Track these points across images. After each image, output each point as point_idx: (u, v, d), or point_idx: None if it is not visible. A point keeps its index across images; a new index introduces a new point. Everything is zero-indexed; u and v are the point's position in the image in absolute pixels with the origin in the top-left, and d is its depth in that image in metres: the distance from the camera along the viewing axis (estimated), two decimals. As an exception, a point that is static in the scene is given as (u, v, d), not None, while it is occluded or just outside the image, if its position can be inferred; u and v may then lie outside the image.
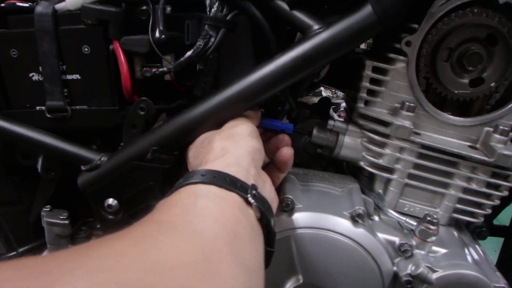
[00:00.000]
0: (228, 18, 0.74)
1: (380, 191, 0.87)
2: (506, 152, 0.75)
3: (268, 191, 0.64)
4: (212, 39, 0.74)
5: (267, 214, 0.55)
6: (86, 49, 0.78)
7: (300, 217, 0.74)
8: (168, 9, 0.80)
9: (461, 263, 0.75)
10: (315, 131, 0.87)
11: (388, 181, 0.85)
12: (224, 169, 0.55)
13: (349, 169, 0.98)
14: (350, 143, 0.85)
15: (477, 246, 0.86)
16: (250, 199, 0.52)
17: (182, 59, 0.73)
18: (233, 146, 0.62)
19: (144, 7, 0.77)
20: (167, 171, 0.76)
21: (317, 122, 0.93)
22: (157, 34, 0.75)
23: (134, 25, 0.77)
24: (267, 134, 0.86)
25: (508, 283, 0.97)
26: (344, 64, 0.95)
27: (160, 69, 0.75)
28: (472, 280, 0.73)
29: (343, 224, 0.73)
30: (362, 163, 0.85)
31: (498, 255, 0.99)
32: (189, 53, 0.73)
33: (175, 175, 0.78)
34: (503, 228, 0.96)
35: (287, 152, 0.73)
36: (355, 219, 0.74)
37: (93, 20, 0.75)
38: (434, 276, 0.72)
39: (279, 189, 0.80)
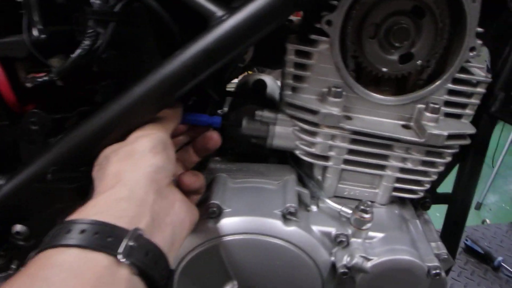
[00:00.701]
0: (116, 9, 0.64)
1: (319, 177, 0.83)
2: (436, 132, 0.72)
3: (176, 212, 0.58)
4: (102, 36, 0.64)
5: (147, 268, 0.48)
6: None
7: (227, 223, 0.70)
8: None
9: (396, 247, 0.74)
10: (244, 123, 0.81)
11: (325, 168, 0.81)
12: (109, 209, 0.50)
13: (291, 155, 0.94)
14: (282, 133, 0.80)
15: (417, 222, 0.85)
16: (120, 257, 0.45)
17: (66, 63, 0.64)
18: (129, 170, 0.56)
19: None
20: (77, 189, 0.69)
21: (252, 108, 0.88)
22: (35, 33, 0.63)
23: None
24: (196, 130, 0.81)
25: (451, 248, 0.99)
26: (273, 41, 0.87)
27: (44, 77, 0.65)
28: (406, 265, 0.72)
29: (273, 225, 0.71)
30: (297, 152, 0.81)
31: (443, 222, 0.99)
32: (74, 55, 0.63)
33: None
34: (446, 195, 0.96)
35: (188, 179, 0.67)
36: (286, 217, 0.71)
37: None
38: (369, 264, 0.71)
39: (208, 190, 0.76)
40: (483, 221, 2.58)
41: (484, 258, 2.13)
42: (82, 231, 0.46)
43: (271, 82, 1.10)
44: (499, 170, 3.66)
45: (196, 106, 0.84)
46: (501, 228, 2.41)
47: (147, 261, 0.48)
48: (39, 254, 0.46)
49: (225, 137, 0.87)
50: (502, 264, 2.09)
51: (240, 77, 1.13)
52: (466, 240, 2.19)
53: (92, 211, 0.50)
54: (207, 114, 0.78)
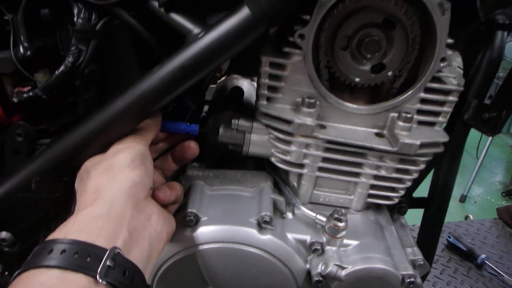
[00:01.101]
0: (98, 27, 0.66)
1: (295, 183, 0.85)
2: (408, 141, 0.73)
3: (153, 225, 0.60)
4: (84, 53, 0.66)
5: (124, 287, 0.50)
6: None
7: (204, 232, 0.72)
8: (46, 10, 0.71)
9: (370, 255, 0.75)
10: (221, 131, 0.82)
11: (300, 175, 0.83)
12: (88, 227, 0.51)
13: (267, 160, 0.95)
14: (258, 141, 0.81)
15: (392, 227, 0.86)
16: (98, 277, 0.48)
17: (50, 80, 0.66)
18: (108, 184, 0.57)
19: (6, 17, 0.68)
20: (60, 198, 0.71)
21: (229, 115, 0.88)
22: (21, 50, 0.66)
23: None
24: (175, 137, 0.82)
25: (428, 251, 1.01)
26: (249, 50, 0.88)
27: (29, 93, 0.67)
28: (380, 273, 0.74)
29: (249, 234, 0.72)
30: (273, 159, 0.83)
31: (420, 226, 1.01)
32: (57, 72, 0.65)
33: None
34: (422, 199, 0.98)
35: (162, 194, 0.68)
36: (261, 225, 0.73)
37: None
38: (343, 273, 0.73)
39: (186, 197, 0.77)
40: (466, 217, 2.62)
41: (467, 255, 2.16)
42: (63, 251, 0.48)
43: (249, 86, 1.11)
44: (483, 162, 3.68)
45: (175, 112, 0.85)
46: (484, 224, 2.44)
47: (124, 280, 0.50)
48: (22, 274, 0.48)
49: (204, 142, 0.89)
50: (486, 261, 2.11)
51: (219, 80, 1.14)
52: (449, 237, 2.22)
53: (72, 229, 0.52)
54: (185, 122, 0.79)
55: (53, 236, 0.51)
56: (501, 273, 2.06)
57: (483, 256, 2.13)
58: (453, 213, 3.45)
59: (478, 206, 3.70)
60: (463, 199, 3.65)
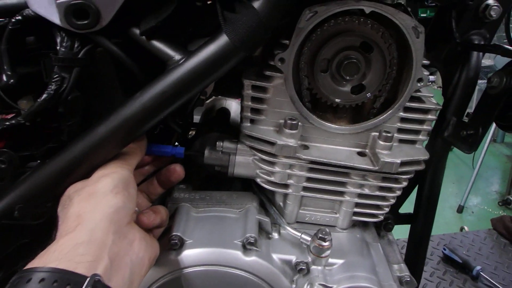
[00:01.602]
0: (80, 55, 0.67)
1: (281, 203, 0.86)
2: (389, 160, 0.75)
3: (135, 251, 0.60)
4: (66, 80, 0.67)
5: None
6: None
7: (189, 255, 0.72)
8: (31, 38, 0.72)
9: (355, 274, 0.76)
10: (206, 153, 0.83)
11: (285, 195, 0.84)
12: (68, 254, 0.51)
13: (254, 181, 0.96)
14: (243, 162, 0.82)
15: (378, 245, 0.87)
16: None
17: (33, 107, 0.66)
18: (90, 211, 0.58)
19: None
20: (44, 224, 0.71)
21: (216, 137, 0.90)
22: (4, 78, 0.67)
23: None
24: (161, 160, 0.83)
25: (416, 267, 1.02)
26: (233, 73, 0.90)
27: (12, 121, 0.68)
28: (365, 291, 0.74)
29: (234, 256, 0.72)
30: (258, 180, 0.84)
31: (407, 242, 1.02)
32: (40, 100, 0.66)
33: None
34: (408, 215, 0.99)
35: (146, 219, 0.68)
36: (246, 247, 0.73)
37: None
38: (328, 292, 0.73)
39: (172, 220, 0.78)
40: (461, 229, 2.62)
41: (463, 267, 2.15)
42: (41, 280, 0.48)
43: (237, 107, 1.12)
44: (479, 171, 3.69)
45: (162, 135, 0.86)
46: (479, 235, 2.44)
47: None
48: None
49: (190, 164, 0.90)
50: (481, 273, 2.10)
51: (207, 101, 1.15)
52: (444, 249, 2.21)
53: (52, 257, 0.52)
54: (170, 145, 0.80)
55: (32, 264, 0.51)
56: (496, 284, 2.05)
57: (478, 267, 2.12)
58: (451, 224, 3.45)
59: (476, 216, 3.70)
60: (460, 209, 3.64)
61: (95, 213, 0.58)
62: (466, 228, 2.60)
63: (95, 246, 0.54)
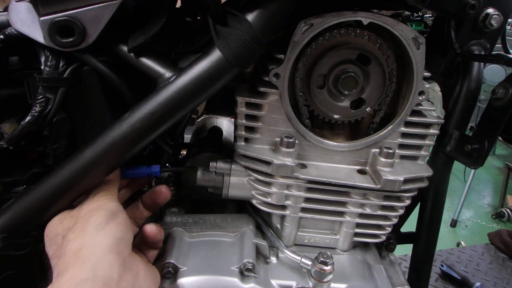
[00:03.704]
0: (66, 74, 0.64)
1: (278, 225, 0.82)
2: (392, 177, 0.71)
3: (141, 283, 0.57)
4: (51, 101, 0.63)
5: None
6: None
7: (184, 283, 0.67)
8: (15, 58, 0.69)
9: (358, 299, 0.72)
10: (199, 174, 0.79)
11: (283, 217, 0.80)
12: None
13: (248, 202, 0.92)
14: (237, 183, 0.78)
15: (381, 266, 0.83)
16: None
17: (16, 131, 0.63)
18: (90, 246, 0.54)
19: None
20: (30, 254, 0.66)
21: (208, 157, 0.86)
22: None
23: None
24: (137, 182, 0.78)
25: (420, 287, 0.97)
26: (225, 91, 0.87)
27: (-7, 146, 0.64)
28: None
29: (231, 284, 0.68)
30: (254, 202, 0.80)
31: (409, 262, 0.98)
32: (23, 122, 0.62)
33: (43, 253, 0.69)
34: (410, 234, 0.95)
35: (151, 230, 0.65)
36: (243, 273, 0.69)
37: None
38: (332, 320, 0.69)
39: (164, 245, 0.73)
40: (458, 244, 2.58)
41: (462, 284, 2.11)
42: None
43: (229, 125, 1.09)
44: (471, 185, 3.68)
45: (151, 156, 0.82)
46: (476, 250, 2.40)
47: None
48: None
49: (182, 185, 0.86)
50: (480, 290, 2.07)
51: (198, 120, 1.12)
52: (442, 265, 2.17)
53: None
54: (144, 165, 0.75)
55: None
56: (497, 300, 2.02)
57: (478, 284, 2.08)
58: (445, 238, 3.42)
59: (469, 230, 3.68)
60: (453, 223, 3.62)
61: (96, 247, 0.54)
62: (462, 243, 2.56)
63: (101, 281, 0.50)
